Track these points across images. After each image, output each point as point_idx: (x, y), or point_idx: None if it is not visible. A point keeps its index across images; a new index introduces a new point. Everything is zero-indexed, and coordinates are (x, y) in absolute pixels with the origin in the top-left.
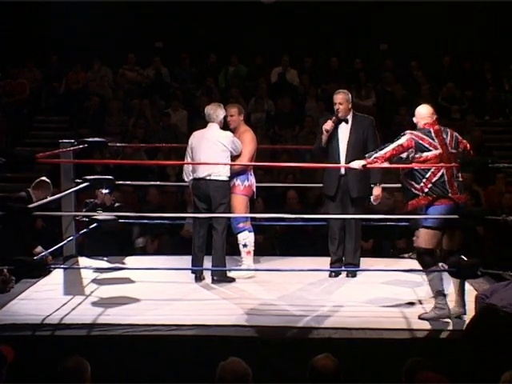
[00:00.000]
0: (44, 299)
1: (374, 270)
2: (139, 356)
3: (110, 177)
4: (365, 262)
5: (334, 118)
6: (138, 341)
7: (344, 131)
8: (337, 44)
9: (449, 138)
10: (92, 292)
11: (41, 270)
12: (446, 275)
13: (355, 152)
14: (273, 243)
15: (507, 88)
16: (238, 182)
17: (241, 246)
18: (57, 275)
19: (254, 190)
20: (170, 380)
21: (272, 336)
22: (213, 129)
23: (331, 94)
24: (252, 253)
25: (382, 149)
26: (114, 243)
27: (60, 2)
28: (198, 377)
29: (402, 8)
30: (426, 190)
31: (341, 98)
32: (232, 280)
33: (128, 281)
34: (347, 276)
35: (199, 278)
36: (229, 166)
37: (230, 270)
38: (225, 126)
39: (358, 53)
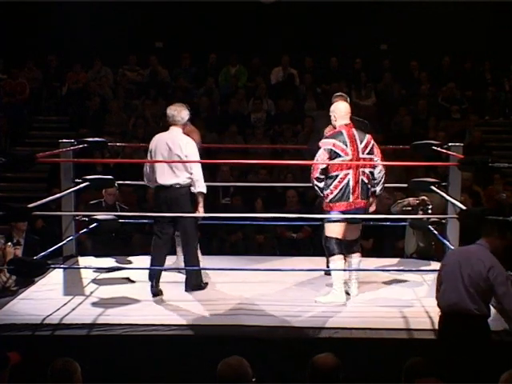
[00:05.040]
0: (44, 299)
1: (374, 269)
2: (139, 356)
3: (110, 177)
4: (365, 262)
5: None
6: (137, 341)
7: None
8: (337, 44)
9: (363, 144)
10: (92, 292)
11: (40, 270)
12: None
13: None
14: (273, 243)
15: (507, 88)
16: None
17: None
18: (57, 275)
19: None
20: (170, 380)
21: (272, 336)
22: (175, 133)
23: (331, 94)
24: None
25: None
26: (115, 243)
27: (60, 2)
28: (197, 377)
29: (401, 8)
30: (331, 197)
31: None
32: (205, 285)
33: (128, 281)
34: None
35: (155, 287)
36: (188, 174)
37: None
38: None
39: (358, 53)
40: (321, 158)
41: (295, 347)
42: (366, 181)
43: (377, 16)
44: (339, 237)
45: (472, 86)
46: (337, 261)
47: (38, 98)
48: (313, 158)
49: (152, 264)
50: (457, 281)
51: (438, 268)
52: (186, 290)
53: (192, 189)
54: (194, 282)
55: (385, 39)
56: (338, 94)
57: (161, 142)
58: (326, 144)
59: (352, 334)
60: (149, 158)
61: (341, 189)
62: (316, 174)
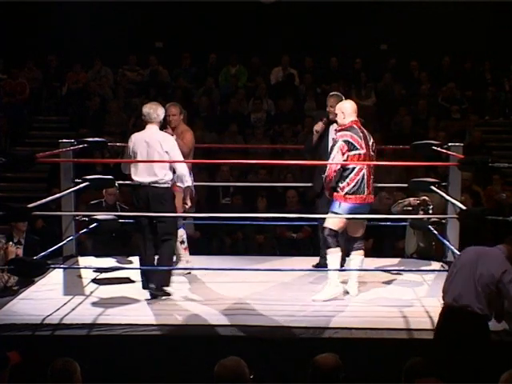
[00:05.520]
0: (44, 299)
1: (374, 269)
2: (139, 356)
3: (110, 177)
4: (365, 262)
5: (324, 119)
6: (137, 341)
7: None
8: (337, 44)
9: (371, 141)
10: (92, 292)
11: (40, 270)
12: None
13: None
14: (273, 243)
15: (507, 88)
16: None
17: (178, 243)
18: (57, 275)
19: (193, 189)
20: (170, 380)
21: (272, 336)
22: (152, 131)
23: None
24: (188, 249)
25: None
26: (115, 243)
27: (60, 2)
28: (197, 377)
29: (401, 8)
30: (347, 189)
31: (332, 102)
32: (167, 294)
33: (128, 281)
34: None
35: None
36: (170, 173)
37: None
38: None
39: (358, 53)
40: (340, 150)
41: (295, 347)
42: (373, 177)
43: (377, 16)
44: (335, 228)
45: (472, 86)
46: (334, 254)
47: (38, 98)
48: (313, 158)
49: (141, 271)
50: (468, 276)
51: (438, 268)
52: (143, 287)
53: (179, 184)
54: (158, 282)
55: (385, 39)
56: (332, 93)
57: (139, 141)
58: (343, 136)
59: (352, 334)
60: (126, 157)
61: (357, 182)
62: (338, 166)
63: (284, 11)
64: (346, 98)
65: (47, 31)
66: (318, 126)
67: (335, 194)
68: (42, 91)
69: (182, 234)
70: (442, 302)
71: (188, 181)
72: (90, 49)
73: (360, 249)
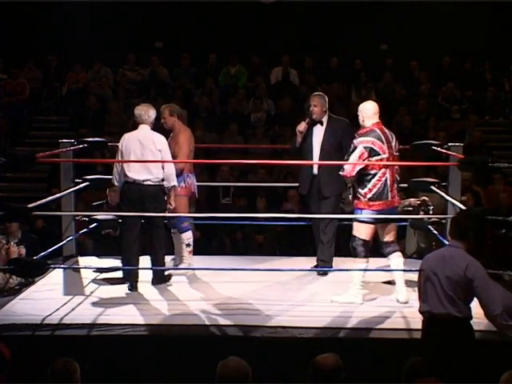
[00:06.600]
0: (44, 299)
1: (374, 270)
2: (139, 356)
3: (110, 177)
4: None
5: (307, 119)
6: (137, 341)
7: (318, 132)
8: (337, 44)
9: (394, 141)
10: (92, 292)
11: (40, 270)
12: None
13: (328, 153)
14: (273, 243)
15: (507, 88)
16: None
17: (184, 246)
18: (57, 275)
19: (194, 190)
20: (170, 380)
21: (272, 336)
22: (145, 130)
23: (331, 94)
24: (192, 252)
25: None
26: (116, 243)
27: (60, 2)
28: (197, 377)
29: (401, 8)
30: (370, 195)
31: (315, 101)
32: (169, 277)
33: None
34: (318, 274)
35: (135, 286)
36: (161, 171)
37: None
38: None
39: (358, 53)
40: (359, 157)
41: (295, 347)
42: (398, 178)
43: (377, 16)
44: (367, 239)
45: (472, 86)
46: (360, 264)
47: (38, 98)
48: (298, 158)
49: (124, 265)
50: (434, 286)
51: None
52: (152, 284)
53: (165, 183)
54: (161, 276)
55: (385, 39)
56: (315, 93)
57: (132, 140)
58: (364, 142)
59: (352, 333)
60: (119, 156)
61: (379, 187)
62: (353, 172)
63: (284, 11)
64: (346, 99)
65: (47, 31)
66: (301, 127)
67: (357, 201)
68: (42, 91)
69: (188, 236)
70: (421, 315)
71: (174, 180)
72: (90, 49)
73: (397, 251)
